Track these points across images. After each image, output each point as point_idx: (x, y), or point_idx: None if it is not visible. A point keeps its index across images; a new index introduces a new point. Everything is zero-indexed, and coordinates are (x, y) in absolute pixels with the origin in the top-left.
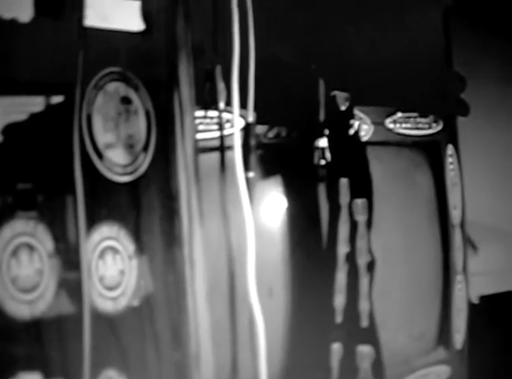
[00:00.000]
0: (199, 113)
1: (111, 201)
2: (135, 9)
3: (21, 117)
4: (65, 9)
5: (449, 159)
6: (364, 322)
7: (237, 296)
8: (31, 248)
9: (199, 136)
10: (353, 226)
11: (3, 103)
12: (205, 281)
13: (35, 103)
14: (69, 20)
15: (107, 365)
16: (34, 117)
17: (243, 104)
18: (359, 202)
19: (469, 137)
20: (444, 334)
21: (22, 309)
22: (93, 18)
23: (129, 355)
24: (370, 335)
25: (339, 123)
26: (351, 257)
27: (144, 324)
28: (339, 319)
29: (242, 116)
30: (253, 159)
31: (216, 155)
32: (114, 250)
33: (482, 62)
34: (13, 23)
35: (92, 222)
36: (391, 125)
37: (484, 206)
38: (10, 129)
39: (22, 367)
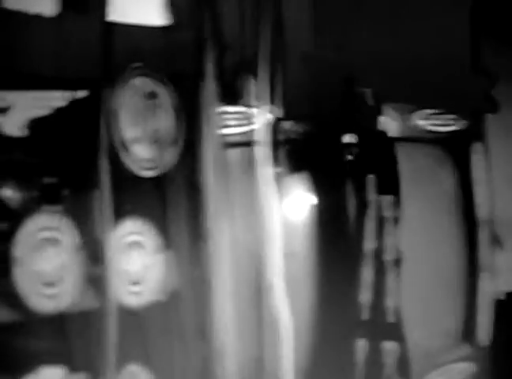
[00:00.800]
0: (226, 108)
1: (136, 196)
2: (160, 4)
3: (46, 111)
4: (90, 5)
5: (477, 156)
6: (390, 318)
7: (263, 291)
8: (56, 242)
9: (226, 131)
10: (380, 222)
11: (29, 97)
12: (230, 276)
13: (60, 98)
14: (93, 16)
15: (131, 359)
16: (59, 111)
17: (272, 99)
18: (387, 198)
19: (499, 134)
20: (469, 331)
21: (46, 303)
22: (117, 13)
23: (153, 350)
24: (395, 332)
25: (367, 119)
26: (377, 254)
27: (169, 319)
28: (365, 315)
29: (270, 111)
30: (280, 154)
31: (243, 150)
32: (140, 245)
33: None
34: (38, 18)
35: (118, 216)
36: (419, 122)
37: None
38: (36, 123)
39: (45, 361)
